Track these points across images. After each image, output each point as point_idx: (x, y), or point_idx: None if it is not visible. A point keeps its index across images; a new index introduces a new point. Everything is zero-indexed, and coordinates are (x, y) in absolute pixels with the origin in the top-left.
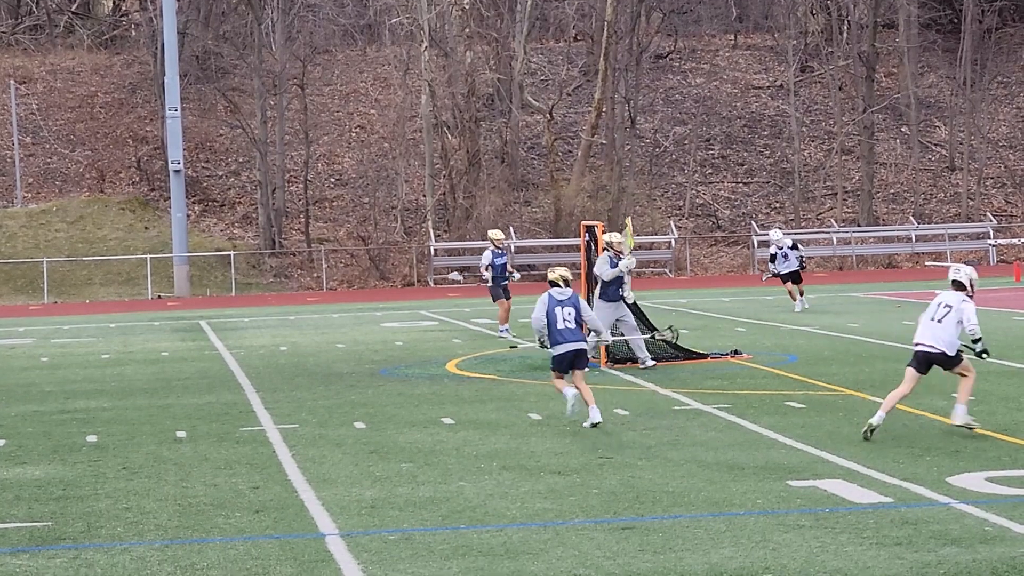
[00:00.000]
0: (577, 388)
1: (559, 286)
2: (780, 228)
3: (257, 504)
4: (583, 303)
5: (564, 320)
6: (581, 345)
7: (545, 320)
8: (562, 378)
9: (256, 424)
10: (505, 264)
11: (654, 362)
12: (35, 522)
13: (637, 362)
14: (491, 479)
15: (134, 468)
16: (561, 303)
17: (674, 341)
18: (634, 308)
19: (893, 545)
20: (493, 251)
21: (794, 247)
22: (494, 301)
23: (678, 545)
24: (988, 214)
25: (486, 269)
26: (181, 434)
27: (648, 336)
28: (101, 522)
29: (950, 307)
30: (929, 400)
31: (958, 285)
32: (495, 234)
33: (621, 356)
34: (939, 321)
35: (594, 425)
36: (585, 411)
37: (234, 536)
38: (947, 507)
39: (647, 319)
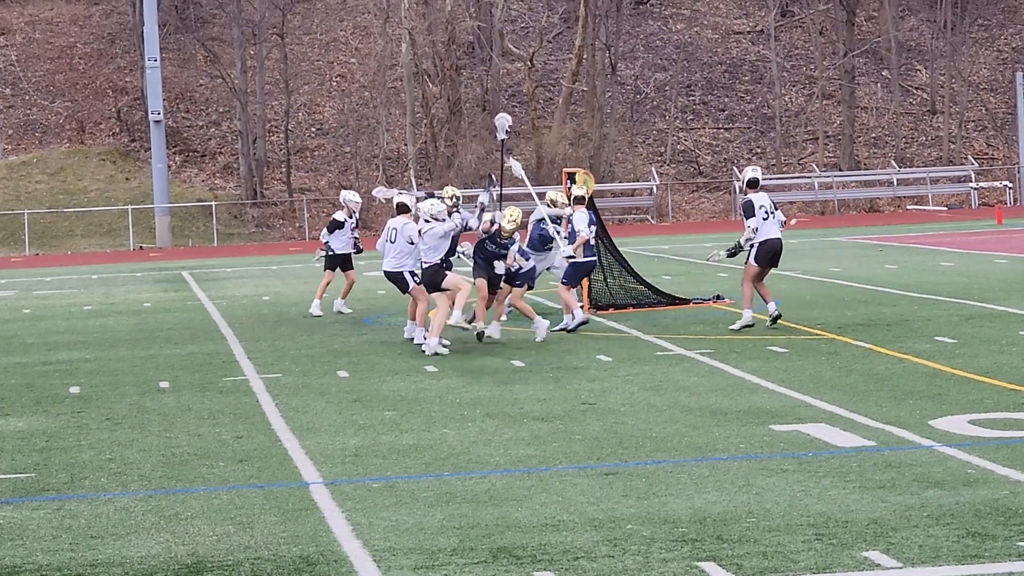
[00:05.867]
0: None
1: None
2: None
3: (241, 453)
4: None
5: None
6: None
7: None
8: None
9: (239, 374)
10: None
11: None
12: (18, 474)
13: (620, 308)
14: (474, 426)
15: (117, 419)
16: None
17: None
18: (619, 256)
19: (876, 488)
20: None
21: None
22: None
23: (661, 490)
24: (969, 157)
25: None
26: (164, 384)
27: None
28: (85, 473)
29: None
30: (912, 343)
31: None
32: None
33: (603, 303)
34: None
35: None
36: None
37: (218, 486)
38: (930, 450)
39: (631, 268)
